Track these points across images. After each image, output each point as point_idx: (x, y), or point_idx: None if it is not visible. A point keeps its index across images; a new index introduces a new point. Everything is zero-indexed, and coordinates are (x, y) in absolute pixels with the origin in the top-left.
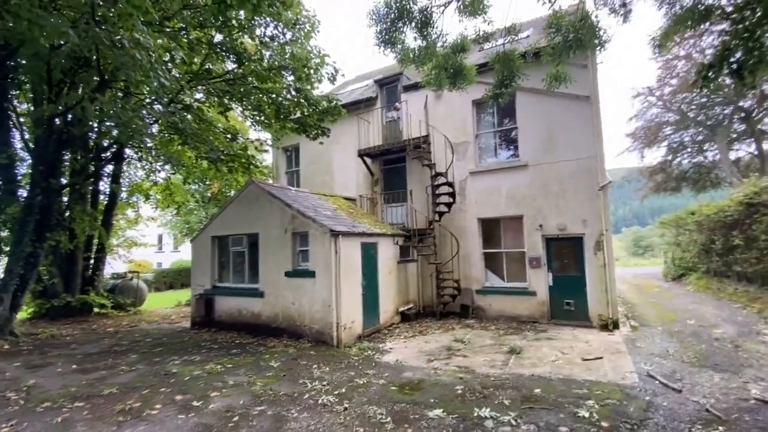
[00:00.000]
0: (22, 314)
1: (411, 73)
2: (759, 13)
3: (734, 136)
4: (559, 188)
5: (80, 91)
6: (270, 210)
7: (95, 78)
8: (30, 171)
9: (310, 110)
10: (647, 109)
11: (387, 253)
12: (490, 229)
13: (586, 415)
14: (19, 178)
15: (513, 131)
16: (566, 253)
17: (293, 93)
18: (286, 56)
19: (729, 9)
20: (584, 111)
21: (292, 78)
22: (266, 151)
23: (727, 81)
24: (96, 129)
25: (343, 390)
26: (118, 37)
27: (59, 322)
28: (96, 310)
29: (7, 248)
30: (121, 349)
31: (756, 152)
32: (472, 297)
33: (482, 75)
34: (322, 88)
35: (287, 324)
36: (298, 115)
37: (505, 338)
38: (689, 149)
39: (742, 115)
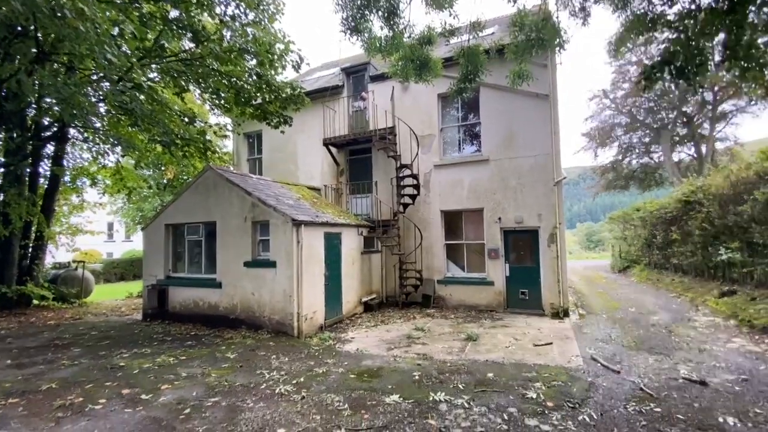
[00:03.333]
0: None
1: (378, 63)
2: (699, 23)
3: (677, 139)
4: (517, 183)
5: (16, 63)
6: (229, 198)
7: (33, 50)
8: None
9: (272, 97)
10: (602, 110)
11: (351, 243)
12: (453, 221)
13: (534, 396)
14: None
15: (476, 126)
16: (522, 245)
17: (254, 78)
18: (248, 39)
19: (672, 18)
20: (543, 109)
21: (254, 62)
22: (226, 136)
23: (672, 87)
24: (34, 105)
25: (302, 379)
26: (58, 4)
27: None
28: (35, 302)
29: None
30: (63, 343)
31: (695, 155)
32: (433, 287)
33: (448, 69)
34: (287, 74)
35: (246, 315)
36: (260, 101)
37: (463, 326)
38: (637, 150)
39: (685, 119)
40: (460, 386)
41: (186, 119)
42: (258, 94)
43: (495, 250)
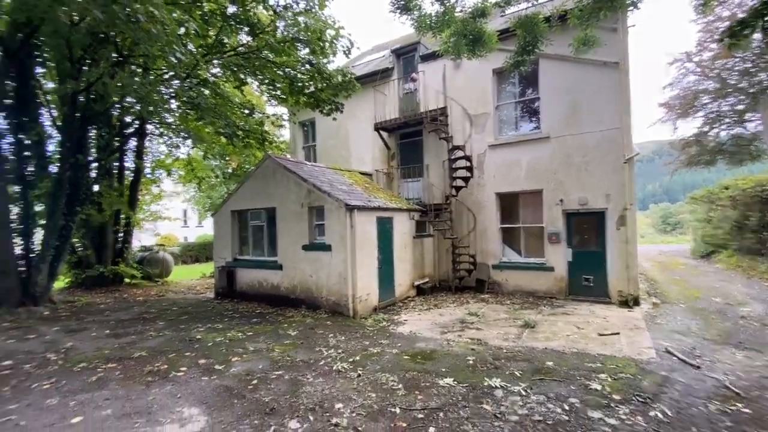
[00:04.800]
0: (59, 283)
1: (429, 41)
2: None
3: None
4: (581, 161)
5: (100, 67)
6: (286, 184)
7: (113, 54)
8: (59, 147)
9: (324, 85)
10: (684, 76)
11: (403, 227)
12: (509, 203)
13: (598, 387)
14: (49, 154)
15: (535, 101)
16: (587, 228)
17: (307, 67)
18: (300, 27)
19: None
20: (612, 79)
21: (306, 51)
22: (283, 126)
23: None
24: (117, 105)
25: (357, 358)
26: (132, 11)
27: (93, 291)
28: (126, 280)
29: (42, 221)
30: (150, 317)
31: None
32: (488, 272)
33: (504, 42)
34: (337, 61)
35: (305, 295)
36: (312, 89)
37: (520, 312)
38: (728, 120)
39: None
40: (516, 373)
41: (246, 111)
42: (311, 83)
43: (556, 233)
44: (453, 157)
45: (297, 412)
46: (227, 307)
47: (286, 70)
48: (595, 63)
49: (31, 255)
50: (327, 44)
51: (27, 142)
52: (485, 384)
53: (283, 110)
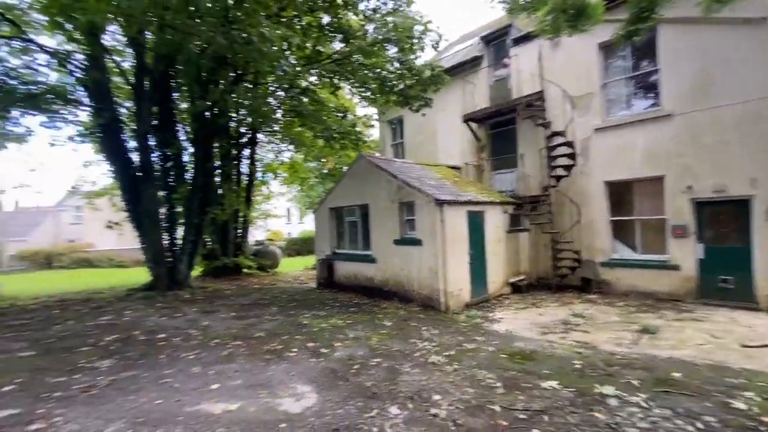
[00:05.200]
0: (194, 272)
1: (522, 23)
2: None
3: None
4: (716, 141)
5: (221, 87)
6: (378, 182)
7: (231, 74)
8: (192, 158)
9: (413, 81)
10: None
11: (495, 222)
12: (620, 193)
13: (742, 407)
14: (184, 164)
15: (652, 75)
16: (724, 220)
17: (396, 65)
18: (389, 28)
19: None
20: (756, 38)
21: (395, 50)
22: (372, 126)
23: None
24: (234, 118)
25: (452, 352)
26: (246, 35)
27: (220, 278)
28: (244, 270)
29: (182, 220)
30: (265, 303)
31: None
32: (595, 270)
33: (611, 11)
34: (425, 55)
35: (397, 288)
36: (401, 87)
37: (636, 316)
38: None
39: None
40: (633, 382)
41: (340, 114)
42: (400, 81)
43: (682, 226)
44: (552, 145)
45: (396, 399)
46: (328, 297)
47: (376, 70)
48: (732, 22)
49: (174, 248)
50: (415, 41)
51: (168, 154)
52: (596, 391)
53: (372, 110)
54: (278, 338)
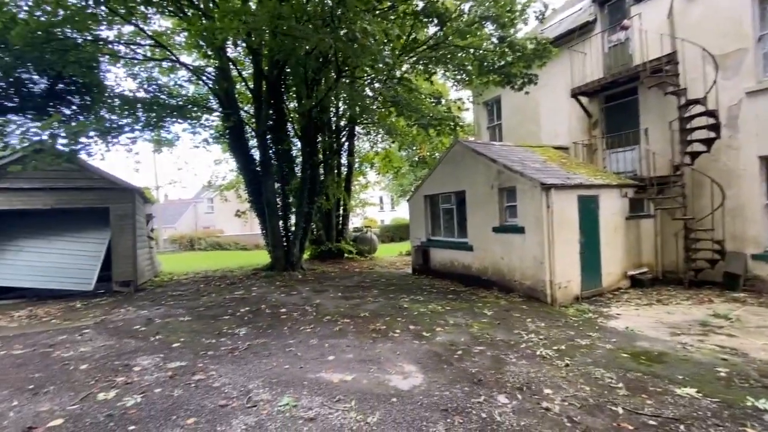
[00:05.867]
0: (304, 255)
1: None
2: None
3: None
4: None
5: (323, 85)
6: (475, 167)
7: (332, 73)
8: (300, 152)
9: (516, 57)
10: None
11: (611, 207)
12: None
13: None
14: (294, 157)
15: None
16: None
17: (495, 42)
18: (488, 5)
19: None
20: None
21: (493, 27)
22: (467, 109)
23: None
24: (334, 113)
25: (563, 347)
26: (346, 31)
27: (325, 262)
28: (346, 255)
29: (294, 209)
30: (366, 285)
31: None
32: (744, 264)
33: None
34: (526, 28)
35: (497, 277)
36: (502, 64)
37: None
38: None
39: None
40: None
41: (434, 100)
42: (501, 59)
43: None
44: (687, 115)
45: (504, 388)
46: (424, 282)
47: (471, 51)
48: None
49: (288, 234)
50: (517, 14)
51: (282, 150)
52: (748, 404)
53: (465, 93)
54: (381, 319)
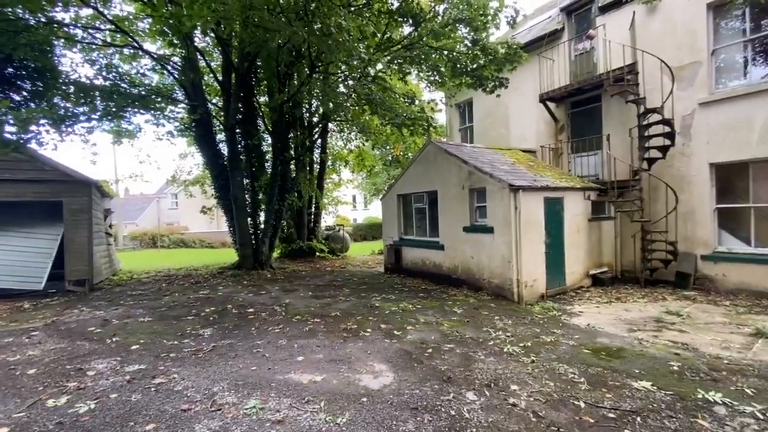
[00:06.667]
0: (274, 254)
1: None
2: None
3: None
4: None
5: (295, 79)
6: (447, 167)
7: (306, 68)
8: (271, 148)
9: (487, 61)
10: None
11: (575, 209)
12: (730, 177)
13: None
14: (263, 153)
15: None
16: None
17: (468, 45)
18: (462, 7)
19: None
20: None
21: (466, 30)
22: (439, 110)
23: None
24: (307, 109)
25: (528, 344)
26: (320, 26)
27: (296, 260)
28: (317, 253)
29: (263, 206)
30: (338, 284)
31: None
32: (695, 264)
33: None
34: (498, 33)
35: (466, 276)
36: (474, 67)
37: (747, 318)
38: None
39: None
40: (747, 390)
41: (408, 100)
42: (473, 62)
43: None
44: (645, 123)
45: (473, 385)
46: (396, 281)
47: (447, 53)
48: None
49: (257, 232)
50: (489, 18)
51: (252, 145)
52: (699, 396)
53: (438, 95)
54: (353, 318)
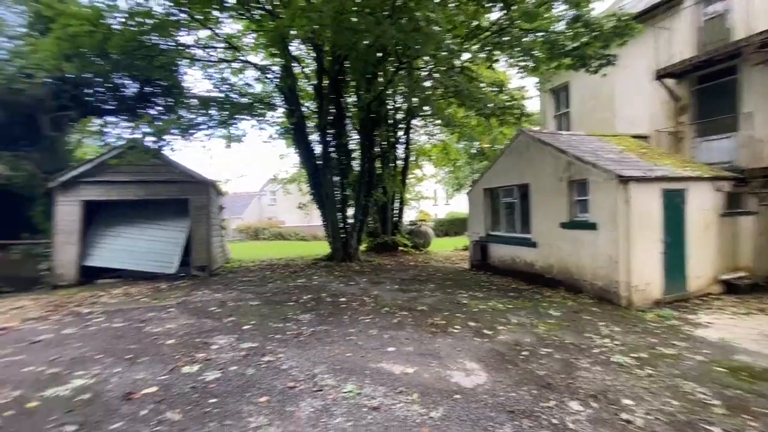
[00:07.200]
0: (361, 247)
1: None
2: None
3: None
4: None
5: (381, 78)
6: (541, 158)
7: (392, 66)
8: (357, 147)
9: (591, 37)
10: None
11: (702, 202)
12: None
13: None
14: (351, 151)
15: None
16: None
17: (568, 23)
18: None
19: None
20: None
21: (565, 6)
22: (530, 98)
23: None
24: (392, 107)
25: (643, 355)
26: (407, 20)
27: (380, 254)
28: (400, 248)
29: (352, 202)
30: (422, 279)
31: None
32: None
33: None
34: (601, 7)
35: (563, 276)
36: (575, 46)
37: None
38: None
39: None
40: None
41: (495, 89)
42: (574, 40)
43: None
44: None
45: (576, 395)
46: (482, 279)
47: (539, 34)
48: None
49: (346, 226)
50: None
51: (341, 144)
52: None
53: (529, 81)
54: (440, 313)
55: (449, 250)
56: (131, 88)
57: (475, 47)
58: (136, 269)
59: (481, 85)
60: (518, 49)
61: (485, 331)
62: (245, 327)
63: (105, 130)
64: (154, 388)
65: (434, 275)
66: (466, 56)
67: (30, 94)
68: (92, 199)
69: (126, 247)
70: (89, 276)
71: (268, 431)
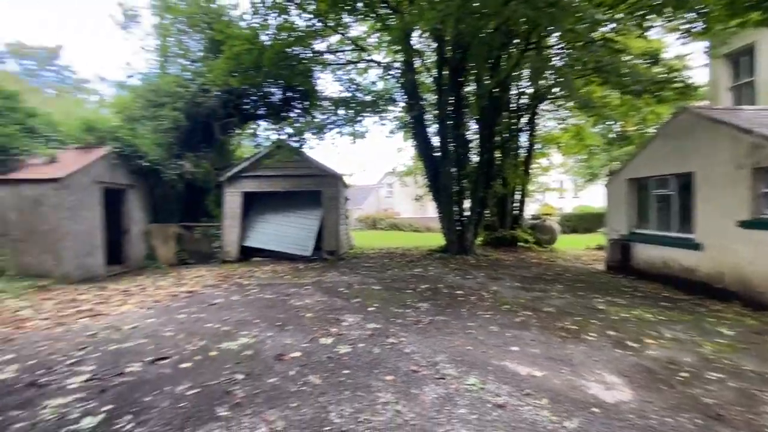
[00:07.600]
0: (476, 241)
1: None
2: None
3: None
4: None
5: (505, 62)
6: (711, 141)
7: (517, 48)
8: (477, 136)
9: None
10: None
11: None
12: None
13: None
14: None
15: None
16: None
17: None
18: None
19: None
20: None
21: None
22: (692, 68)
23: None
24: (516, 92)
25: None
26: None
27: (498, 249)
28: (520, 243)
29: (469, 194)
30: (548, 278)
31: None
32: None
33: None
34: None
35: (739, 287)
36: None
37: None
38: None
39: None
40: None
41: (648, 61)
42: None
43: None
44: None
45: None
46: (623, 283)
47: None
48: None
49: (462, 219)
50: None
51: (460, 135)
52: None
53: (691, 47)
54: (570, 317)
55: (579, 248)
56: (277, 95)
57: (621, 14)
58: (280, 251)
59: (628, 57)
60: (681, 10)
61: (629, 343)
62: (369, 309)
63: (257, 132)
64: (298, 353)
65: (562, 275)
66: (610, 26)
67: (207, 105)
68: (249, 191)
69: (273, 231)
70: (246, 254)
71: (396, 408)
